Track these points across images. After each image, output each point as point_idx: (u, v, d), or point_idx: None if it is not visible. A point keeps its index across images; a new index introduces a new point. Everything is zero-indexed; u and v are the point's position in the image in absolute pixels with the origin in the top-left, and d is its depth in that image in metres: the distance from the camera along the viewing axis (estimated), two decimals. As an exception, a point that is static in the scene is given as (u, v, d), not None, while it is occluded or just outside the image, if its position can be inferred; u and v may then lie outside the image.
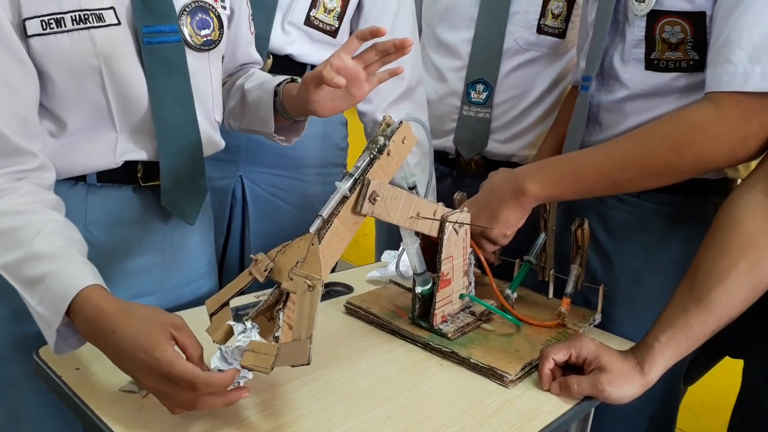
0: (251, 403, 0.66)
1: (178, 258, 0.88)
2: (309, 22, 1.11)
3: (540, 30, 1.23)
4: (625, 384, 0.72)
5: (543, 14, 1.23)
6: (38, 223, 0.64)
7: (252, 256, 0.65)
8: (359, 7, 1.16)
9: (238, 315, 0.72)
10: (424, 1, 1.34)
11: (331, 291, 0.99)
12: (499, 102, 1.26)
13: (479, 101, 1.26)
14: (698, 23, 0.85)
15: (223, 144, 0.93)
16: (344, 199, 0.69)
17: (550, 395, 0.74)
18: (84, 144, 0.75)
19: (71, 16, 0.69)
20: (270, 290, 0.66)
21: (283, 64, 1.12)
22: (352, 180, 0.69)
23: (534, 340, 0.84)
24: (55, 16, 0.68)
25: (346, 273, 1.05)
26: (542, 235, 0.99)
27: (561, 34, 1.23)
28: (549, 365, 0.75)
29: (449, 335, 0.81)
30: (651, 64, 0.91)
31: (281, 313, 0.63)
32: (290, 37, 1.11)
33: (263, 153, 1.17)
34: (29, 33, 0.68)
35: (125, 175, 0.79)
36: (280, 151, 1.17)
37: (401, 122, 0.73)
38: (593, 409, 0.79)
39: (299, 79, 0.85)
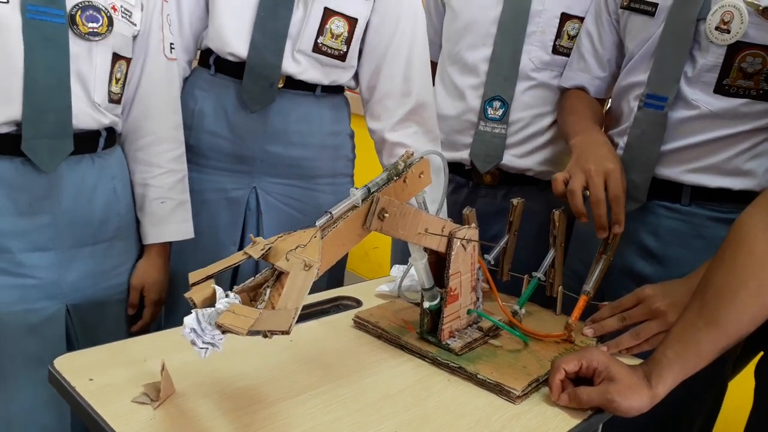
0: (258, 417, 0.67)
1: (71, 220, 0.99)
2: (317, 49, 1.14)
3: (555, 50, 1.25)
4: (634, 395, 0.72)
5: (559, 35, 1.24)
6: None
7: (251, 236, 0.65)
8: (368, 28, 1.18)
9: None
10: (445, 18, 1.36)
11: (340, 305, 1.00)
12: (515, 119, 1.28)
13: (495, 117, 1.28)
14: None
15: (106, 121, 1.02)
16: (354, 207, 0.70)
17: (557, 411, 0.74)
18: None
19: None
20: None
21: (295, 84, 1.16)
22: (366, 191, 0.71)
23: (542, 356, 0.84)
24: None
25: (355, 287, 1.06)
26: (551, 251, 0.99)
27: None
28: (560, 376, 0.75)
29: (457, 351, 0.81)
30: (721, 89, 0.96)
31: (268, 290, 0.62)
32: (300, 66, 1.14)
33: (278, 164, 1.19)
34: None
35: (14, 146, 0.91)
36: (294, 162, 1.20)
37: (421, 157, 0.75)
38: (600, 426, 0.79)
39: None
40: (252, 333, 0.58)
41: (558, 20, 1.24)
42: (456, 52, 1.32)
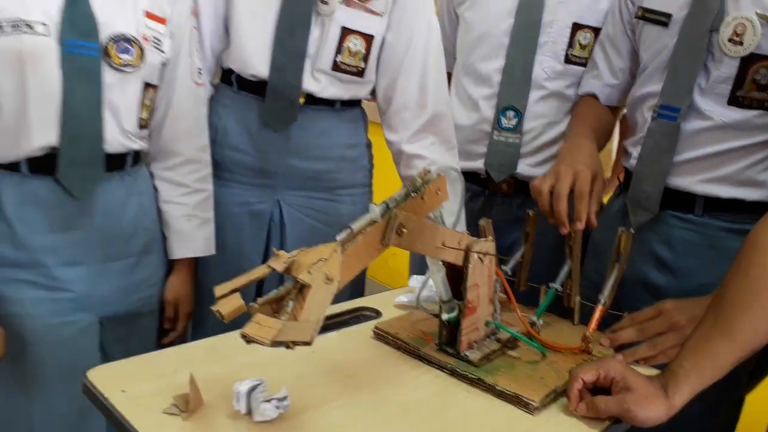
0: (283, 427, 0.69)
1: (102, 235, 1.03)
2: (336, 67, 1.17)
3: (568, 60, 1.27)
4: (650, 405, 0.73)
5: (571, 45, 1.26)
6: None
7: (274, 250, 0.68)
8: (383, 43, 1.20)
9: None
10: (459, 30, 1.38)
11: (360, 315, 1.02)
12: (528, 128, 1.30)
13: (509, 127, 1.29)
14: None
15: (135, 147, 1.06)
16: (373, 222, 0.72)
17: (574, 422, 0.75)
18: (7, 130, 0.94)
19: (10, 24, 0.90)
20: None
21: (315, 101, 1.19)
22: (384, 207, 0.73)
23: (559, 367, 0.85)
24: None
25: (374, 297, 1.08)
26: (568, 262, 1.01)
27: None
28: (578, 385, 0.77)
29: (475, 362, 0.83)
30: (735, 101, 0.96)
31: (291, 302, 0.64)
32: (320, 84, 1.17)
33: (300, 177, 1.23)
34: None
35: (47, 166, 0.96)
36: (315, 175, 1.24)
37: (438, 175, 0.77)
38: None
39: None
40: (275, 344, 0.60)
41: (569, 30, 1.26)
42: (470, 63, 1.34)
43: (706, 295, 0.89)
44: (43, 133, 0.95)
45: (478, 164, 1.34)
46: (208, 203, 1.18)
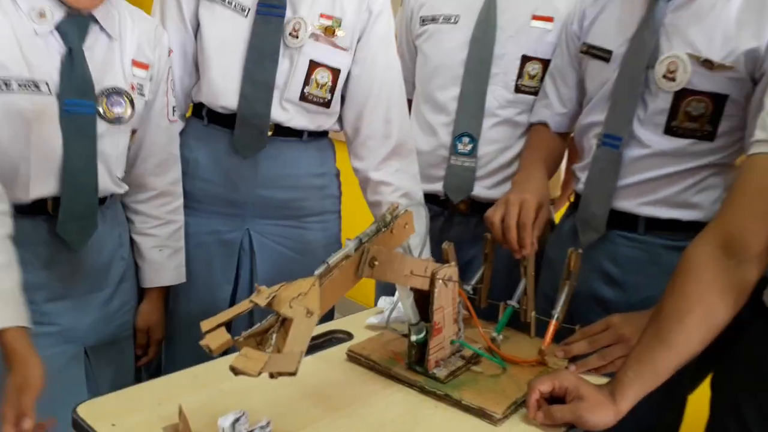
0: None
1: (85, 269, 1.07)
2: (304, 98, 1.22)
3: (518, 89, 1.35)
4: (600, 412, 0.82)
5: (520, 75, 1.35)
6: None
7: (256, 285, 0.72)
8: (349, 77, 1.27)
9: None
10: (418, 61, 1.46)
11: (333, 338, 1.08)
12: (483, 153, 1.38)
13: (465, 152, 1.38)
14: (719, 102, 1.02)
15: (121, 190, 1.12)
16: (347, 256, 0.78)
17: (533, 430, 0.83)
18: (4, 180, 0.96)
19: (18, 83, 0.94)
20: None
21: (283, 131, 1.24)
22: (357, 242, 0.79)
23: (519, 379, 0.93)
24: (5, 80, 0.93)
25: (345, 320, 1.14)
26: (523, 281, 1.09)
27: (537, 92, 1.35)
28: (536, 396, 0.84)
29: (442, 379, 0.90)
30: (670, 130, 1.06)
31: (274, 335, 0.69)
32: (288, 114, 1.23)
33: (269, 206, 1.27)
34: None
35: (37, 209, 0.99)
36: (283, 204, 1.29)
37: (406, 210, 0.84)
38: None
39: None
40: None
41: (519, 62, 1.35)
42: (428, 92, 1.42)
43: (650, 308, 0.98)
44: (40, 186, 0.98)
45: (437, 187, 1.41)
46: (179, 233, 1.22)
